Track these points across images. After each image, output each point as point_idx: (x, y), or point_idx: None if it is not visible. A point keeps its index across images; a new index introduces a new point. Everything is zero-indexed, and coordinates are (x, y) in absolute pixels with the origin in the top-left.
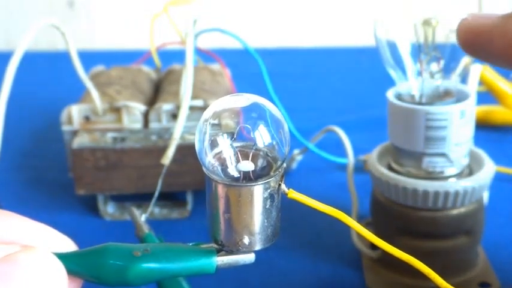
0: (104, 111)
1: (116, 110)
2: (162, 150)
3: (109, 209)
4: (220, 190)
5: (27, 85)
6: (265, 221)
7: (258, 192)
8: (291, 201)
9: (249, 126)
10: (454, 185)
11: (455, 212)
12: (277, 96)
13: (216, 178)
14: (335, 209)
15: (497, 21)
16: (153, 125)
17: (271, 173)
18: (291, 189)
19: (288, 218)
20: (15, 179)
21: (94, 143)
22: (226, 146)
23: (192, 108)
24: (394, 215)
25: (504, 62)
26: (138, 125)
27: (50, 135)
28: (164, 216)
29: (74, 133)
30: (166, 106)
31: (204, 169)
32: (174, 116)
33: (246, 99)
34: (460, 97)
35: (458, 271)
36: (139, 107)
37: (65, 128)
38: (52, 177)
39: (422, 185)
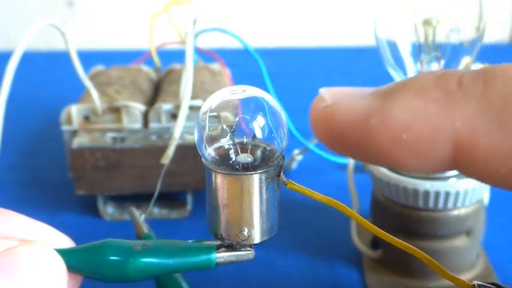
0: (104, 111)
1: (116, 110)
2: (162, 150)
3: (109, 209)
4: (220, 180)
5: (27, 85)
6: (265, 212)
7: (257, 181)
8: (291, 202)
9: (247, 117)
10: (454, 185)
11: (455, 212)
12: (277, 96)
13: (216, 168)
14: (334, 199)
15: (373, 104)
16: (153, 125)
17: (271, 164)
18: (290, 180)
19: (288, 218)
20: (14, 179)
21: (94, 143)
22: (225, 139)
23: (192, 108)
24: (395, 215)
25: (389, 163)
26: (137, 125)
27: (49, 135)
28: (164, 216)
29: (74, 133)
30: (166, 106)
31: (203, 160)
32: (173, 116)
33: (244, 91)
34: None
35: (459, 272)
36: (139, 107)
37: (65, 128)
38: (51, 178)
39: (422, 185)
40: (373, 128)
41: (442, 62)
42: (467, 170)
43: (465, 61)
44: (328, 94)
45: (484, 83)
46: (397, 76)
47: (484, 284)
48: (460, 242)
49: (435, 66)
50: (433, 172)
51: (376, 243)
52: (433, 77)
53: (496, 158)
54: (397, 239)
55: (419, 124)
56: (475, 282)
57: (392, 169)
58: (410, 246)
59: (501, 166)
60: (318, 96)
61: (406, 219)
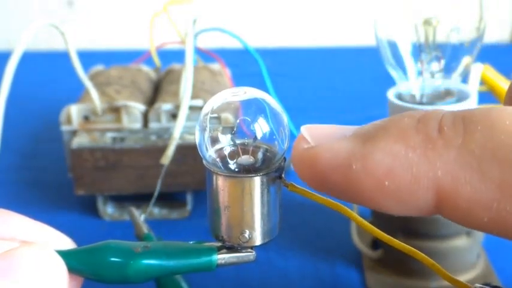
0: (103, 111)
1: (115, 110)
2: (162, 150)
3: (108, 210)
4: (221, 182)
5: (27, 85)
6: (266, 214)
7: (258, 183)
8: (291, 202)
9: (248, 119)
10: None
11: None
12: (277, 96)
13: (217, 170)
14: (335, 202)
15: (354, 148)
16: (153, 124)
17: (272, 166)
18: (291, 182)
19: (288, 218)
20: (14, 179)
21: (93, 143)
22: (226, 141)
23: (191, 108)
24: (395, 216)
25: (372, 207)
26: (137, 125)
27: (49, 135)
28: (164, 217)
29: (73, 133)
30: (165, 106)
31: (204, 162)
32: (173, 115)
33: (246, 93)
34: (461, 97)
35: (459, 272)
36: (138, 107)
37: (64, 128)
38: (51, 178)
39: None
40: (355, 174)
41: (442, 61)
42: (451, 216)
43: (465, 61)
44: (309, 134)
45: (464, 129)
46: (397, 76)
47: (484, 286)
48: (460, 242)
49: (435, 66)
50: (417, 215)
51: (376, 243)
52: (413, 120)
53: (478, 207)
54: (397, 241)
55: (400, 171)
56: (477, 285)
57: None
58: (411, 247)
59: (483, 215)
60: (299, 135)
61: (407, 219)
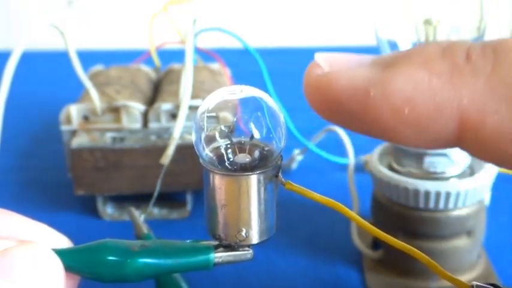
0: (103, 111)
1: (115, 110)
2: (162, 150)
3: (108, 210)
4: (218, 181)
5: (26, 85)
6: (263, 212)
7: (255, 182)
8: (291, 202)
9: (245, 117)
10: (455, 185)
11: (456, 212)
12: (277, 96)
13: (213, 168)
14: (333, 200)
15: (373, 75)
16: (153, 124)
17: (269, 164)
18: (288, 181)
19: (287, 217)
20: (14, 179)
21: (93, 143)
22: (222, 139)
23: (191, 108)
24: (395, 216)
25: (388, 137)
26: (137, 125)
27: (48, 135)
28: (163, 217)
29: (73, 133)
30: (165, 106)
31: (201, 160)
32: (173, 115)
33: (242, 91)
34: None
35: (459, 272)
36: (138, 107)
37: (64, 128)
38: (51, 178)
39: (423, 185)
40: (372, 101)
41: None
42: (472, 149)
43: None
44: (324, 60)
45: (495, 57)
46: None
47: (482, 284)
48: (460, 242)
49: None
50: (435, 148)
51: (376, 243)
52: (439, 48)
53: (504, 139)
54: (396, 240)
55: (422, 99)
56: (474, 283)
57: (392, 168)
58: (410, 247)
59: (508, 147)
60: (312, 62)
61: (407, 220)
